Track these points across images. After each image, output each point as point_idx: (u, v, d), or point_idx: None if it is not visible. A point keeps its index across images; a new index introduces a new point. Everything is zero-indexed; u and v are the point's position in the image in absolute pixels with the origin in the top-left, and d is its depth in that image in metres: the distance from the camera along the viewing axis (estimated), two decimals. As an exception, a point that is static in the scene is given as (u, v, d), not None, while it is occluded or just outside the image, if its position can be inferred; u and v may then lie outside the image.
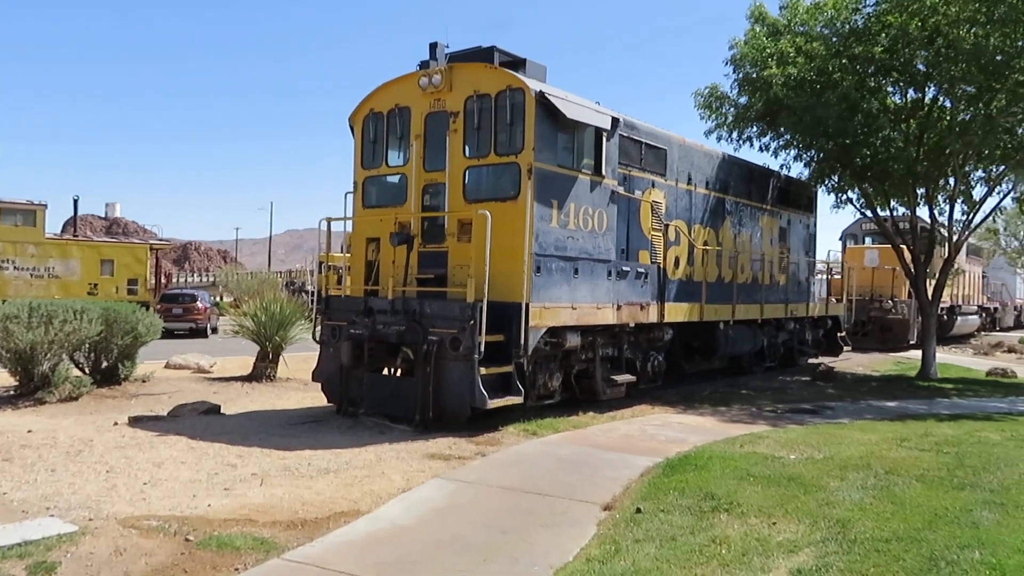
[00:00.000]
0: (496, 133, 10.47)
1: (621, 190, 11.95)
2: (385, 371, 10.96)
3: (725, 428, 10.69)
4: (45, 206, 27.32)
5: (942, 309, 26.51)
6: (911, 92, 17.80)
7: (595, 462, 8.22)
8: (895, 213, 19.93)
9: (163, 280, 40.01)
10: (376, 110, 11.73)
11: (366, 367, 10.47)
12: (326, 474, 7.55)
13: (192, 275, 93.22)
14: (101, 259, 28.95)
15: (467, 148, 10.74)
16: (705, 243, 14.66)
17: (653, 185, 13.09)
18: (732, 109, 18.71)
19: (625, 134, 12.18)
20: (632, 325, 12.29)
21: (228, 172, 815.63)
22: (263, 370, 14.72)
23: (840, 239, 31.72)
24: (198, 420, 10.33)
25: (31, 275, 26.97)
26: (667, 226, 13.29)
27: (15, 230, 26.48)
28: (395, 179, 11.65)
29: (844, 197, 19.09)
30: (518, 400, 9.95)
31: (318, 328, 11.44)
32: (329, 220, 11.63)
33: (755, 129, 18.59)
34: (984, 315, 38.38)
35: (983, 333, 37.10)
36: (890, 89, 17.91)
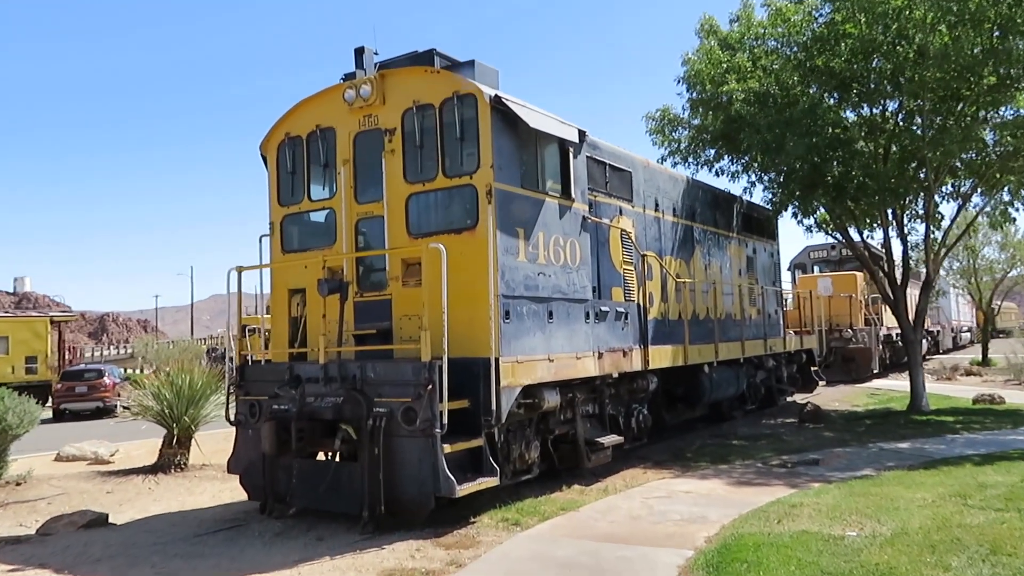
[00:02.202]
0: (444, 151, 8.51)
1: (592, 216, 10.13)
2: (320, 456, 8.71)
3: (742, 495, 8.80)
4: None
5: (897, 335, 25.46)
6: (869, 108, 16.64)
7: (611, 566, 6.17)
8: (864, 238, 18.69)
9: (69, 355, 36.62)
10: (293, 134, 9.66)
11: (295, 452, 8.19)
12: (242, 621, 5.31)
13: (110, 348, 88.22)
14: (-7, 336, 26.00)
15: (408, 171, 8.73)
16: (678, 275, 12.92)
17: (620, 212, 11.29)
18: (686, 131, 17.35)
19: (588, 154, 10.40)
20: (615, 375, 10.36)
21: (146, 237, 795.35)
22: (171, 458, 12.19)
23: (788, 269, 30.59)
24: (75, 539, 7.88)
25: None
26: (643, 257, 11.50)
27: None
28: (321, 216, 9.54)
29: (811, 221, 17.74)
30: (493, 481, 7.84)
31: (232, 405, 9.15)
32: (240, 270, 9.33)
33: (712, 152, 17.24)
34: (929, 339, 37.92)
35: (929, 357, 36.53)
36: (851, 102, 16.72)
